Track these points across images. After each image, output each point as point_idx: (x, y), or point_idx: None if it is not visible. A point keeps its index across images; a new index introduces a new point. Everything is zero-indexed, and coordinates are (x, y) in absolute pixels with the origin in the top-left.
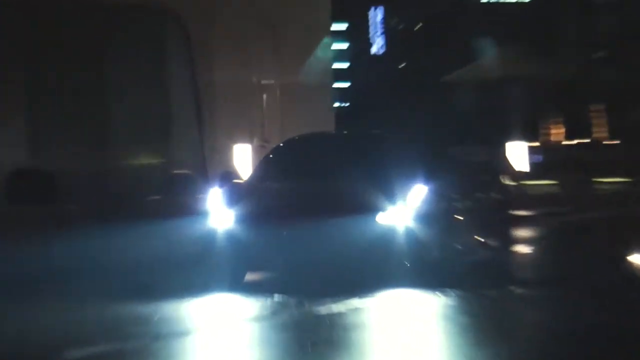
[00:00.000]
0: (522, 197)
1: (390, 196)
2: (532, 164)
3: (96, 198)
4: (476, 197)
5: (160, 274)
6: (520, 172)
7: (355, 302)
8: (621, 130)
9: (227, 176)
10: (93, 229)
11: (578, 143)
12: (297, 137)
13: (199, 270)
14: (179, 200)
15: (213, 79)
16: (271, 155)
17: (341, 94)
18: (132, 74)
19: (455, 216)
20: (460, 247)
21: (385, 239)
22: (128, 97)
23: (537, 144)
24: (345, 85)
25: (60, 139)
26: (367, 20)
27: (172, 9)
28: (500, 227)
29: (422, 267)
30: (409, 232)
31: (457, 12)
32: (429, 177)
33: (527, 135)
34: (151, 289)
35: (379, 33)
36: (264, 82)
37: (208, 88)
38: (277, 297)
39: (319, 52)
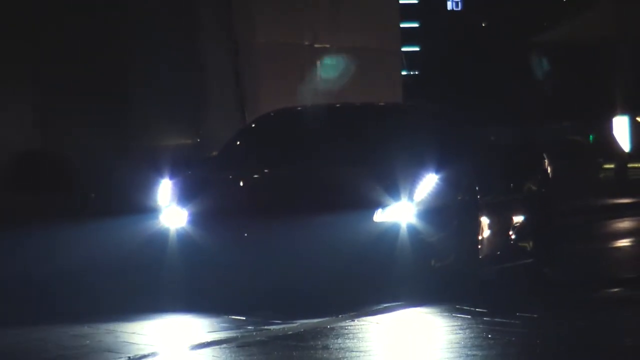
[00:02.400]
0: (621, 181)
1: (392, 188)
2: (637, 141)
3: (112, 185)
4: (509, 189)
5: (100, 284)
6: (620, 150)
7: (340, 324)
8: None
9: (181, 163)
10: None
11: None
12: (273, 113)
13: (146, 282)
14: None
15: (256, 42)
16: (239, 137)
17: (410, 59)
18: (157, 38)
19: (479, 213)
20: (484, 252)
21: (384, 242)
22: (152, 65)
23: None
24: (415, 49)
25: (71, 115)
26: None
27: None
28: (541, 227)
29: (430, 277)
30: (414, 233)
31: None
32: (444, 164)
33: (633, 108)
34: (84, 304)
35: None
36: (317, 45)
37: (250, 53)
38: (240, 317)
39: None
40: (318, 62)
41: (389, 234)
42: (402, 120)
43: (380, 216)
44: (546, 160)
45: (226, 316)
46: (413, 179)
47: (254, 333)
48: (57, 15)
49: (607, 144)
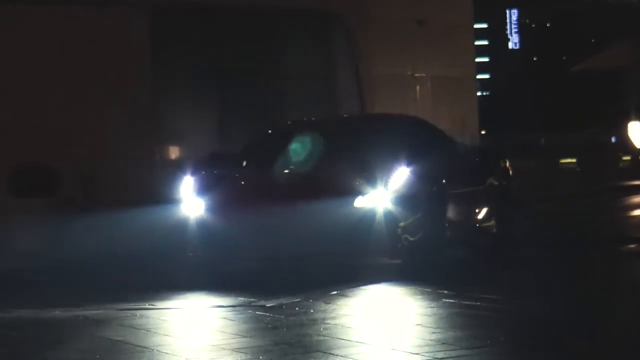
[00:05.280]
0: (634, 169)
1: (370, 179)
2: None
3: None
4: (474, 182)
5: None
6: (635, 147)
7: (328, 291)
8: None
9: (199, 165)
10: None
11: None
12: (277, 127)
13: (170, 261)
14: None
15: (373, 73)
16: (248, 145)
17: (482, 84)
18: (305, 70)
19: (447, 201)
20: (452, 232)
21: (363, 224)
22: (302, 89)
23: None
24: (486, 76)
25: (245, 128)
26: (503, 20)
27: (335, 13)
28: (500, 213)
29: (400, 253)
30: (389, 216)
31: (585, 8)
32: (414, 160)
33: None
34: (118, 281)
35: (514, 31)
36: (417, 75)
37: (369, 80)
38: (247, 289)
39: None
40: (417, 88)
41: (367, 217)
42: (376, 126)
43: (360, 202)
44: (506, 160)
45: (235, 287)
46: (389, 171)
47: (260, 302)
48: (236, 61)
49: (624, 142)
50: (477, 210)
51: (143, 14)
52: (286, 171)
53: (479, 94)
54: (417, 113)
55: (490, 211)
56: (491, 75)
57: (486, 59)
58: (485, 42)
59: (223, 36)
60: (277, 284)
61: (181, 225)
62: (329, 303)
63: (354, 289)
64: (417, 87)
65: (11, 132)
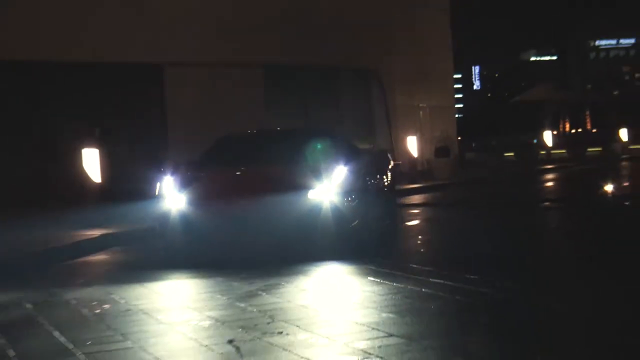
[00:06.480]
0: (547, 159)
1: (318, 176)
2: (554, 142)
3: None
4: (379, 177)
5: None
6: (547, 145)
7: (285, 270)
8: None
9: (178, 166)
10: None
11: (576, 131)
12: (238, 133)
13: (154, 248)
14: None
15: (395, 104)
16: (215, 148)
17: (458, 110)
18: (354, 104)
19: (369, 190)
20: (372, 216)
21: (315, 211)
22: (354, 118)
23: (555, 132)
24: (460, 105)
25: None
26: (470, 72)
27: (373, 69)
28: (390, 200)
29: (344, 233)
30: (334, 205)
31: (519, 65)
32: (349, 161)
33: (553, 127)
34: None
35: (477, 78)
36: (420, 105)
37: (392, 110)
38: (216, 269)
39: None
40: (421, 113)
41: (318, 206)
42: (319, 137)
43: (312, 194)
44: (390, 159)
45: (207, 268)
46: (332, 170)
47: (228, 282)
48: (313, 100)
49: (541, 143)
50: (382, 199)
51: (260, 70)
52: (252, 170)
53: (457, 116)
54: (421, 129)
55: (387, 199)
56: (463, 104)
57: (460, 95)
58: (460, 85)
59: (306, 84)
60: (240, 262)
61: (165, 217)
62: (281, 279)
63: (296, 266)
64: (420, 113)
65: (183, 144)
